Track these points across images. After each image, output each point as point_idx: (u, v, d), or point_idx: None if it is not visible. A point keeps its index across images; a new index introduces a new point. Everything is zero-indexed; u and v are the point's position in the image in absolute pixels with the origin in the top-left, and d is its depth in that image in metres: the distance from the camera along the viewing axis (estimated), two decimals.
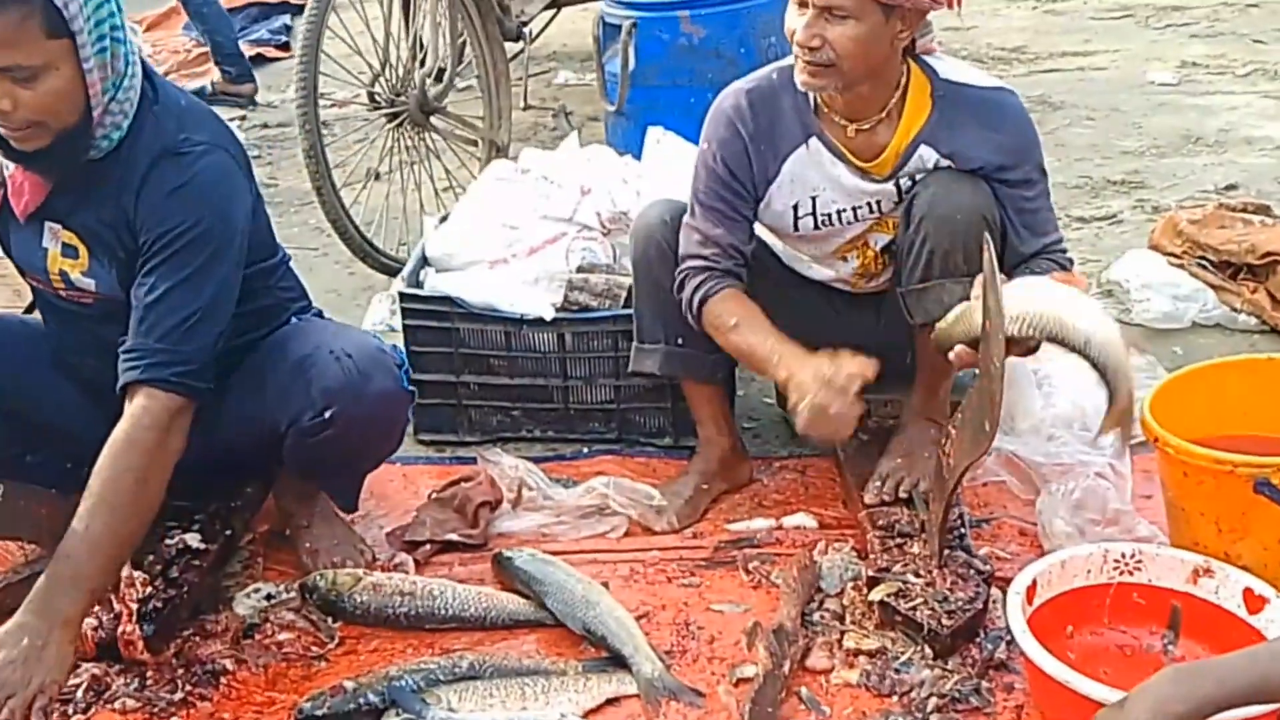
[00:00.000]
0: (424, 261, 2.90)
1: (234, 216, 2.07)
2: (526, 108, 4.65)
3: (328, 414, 2.12)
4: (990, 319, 1.83)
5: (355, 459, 2.31)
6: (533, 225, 2.81)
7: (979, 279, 1.94)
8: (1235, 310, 3.10)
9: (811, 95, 2.27)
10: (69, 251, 2.09)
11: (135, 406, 1.98)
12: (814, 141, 2.29)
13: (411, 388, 2.30)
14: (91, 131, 1.96)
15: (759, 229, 2.42)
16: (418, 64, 3.73)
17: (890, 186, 2.29)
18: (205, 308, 2.02)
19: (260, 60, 6.30)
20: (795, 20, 2.15)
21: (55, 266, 2.11)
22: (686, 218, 2.36)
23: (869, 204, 2.32)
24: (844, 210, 2.33)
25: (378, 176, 3.83)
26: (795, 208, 2.34)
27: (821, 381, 2.08)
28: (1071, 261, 2.34)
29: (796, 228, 2.37)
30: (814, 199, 2.32)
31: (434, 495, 2.53)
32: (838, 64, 2.13)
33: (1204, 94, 4.86)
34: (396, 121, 3.72)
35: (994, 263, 1.83)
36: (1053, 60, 5.41)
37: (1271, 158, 4.17)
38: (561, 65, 5.71)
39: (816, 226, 2.36)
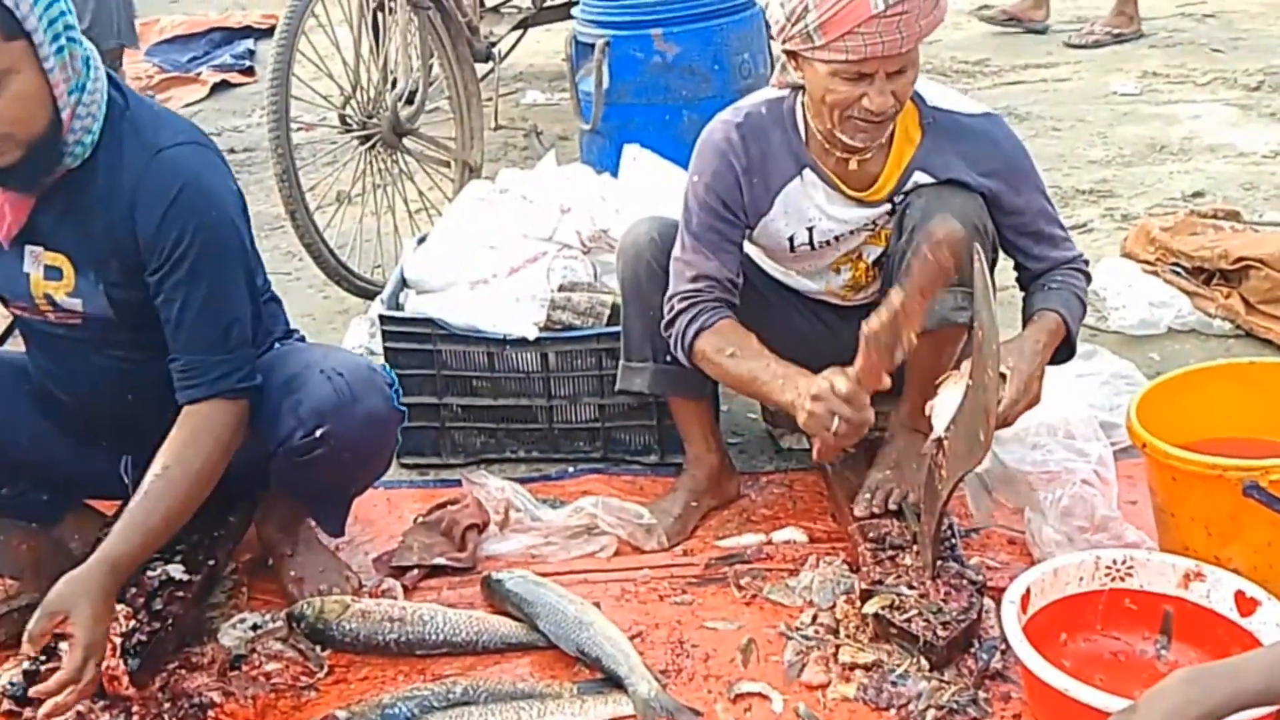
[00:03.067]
0: (403, 283, 2.88)
1: (233, 213, 2.08)
2: (497, 128, 4.65)
3: (318, 433, 2.10)
4: (984, 330, 1.83)
5: (345, 480, 2.29)
6: (512, 245, 2.80)
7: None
8: (1210, 316, 3.13)
9: (801, 126, 2.27)
10: (52, 273, 2.06)
11: (207, 419, 2.03)
12: (807, 173, 2.28)
13: (402, 408, 2.29)
14: (62, 138, 1.93)
15: (746, 245, 2.41)
16: (389, 86, 3.72)
17: (885, 207, 2.30)
18: (238, 311, 2.06)
19: (224, 86, 6.26)
20: (850, 89, 2.09)
21: (40, 290, 2.08)
22: (676, 250, 2.34)
23: (866, 223, 2.33)
24: (841, 235, 2.34)
25: (349, 200, 3.80)
26: (792, 239, 2.35)
27: (829, 396, 2.04)
28: (1086, 263, 2.34)
29: (793, 251, 2.38)
30: (810, 229, 2.33)
31: (420, 519, 2.50)
32: (896, 112, 2.14)
33: (1166, 103, 4.92)
34: (369, 144, 3.70)
35: (985, 273, 1.83)
36: (1016, 73, 5.46)
37: (1236, 165, 4.23)
38: (529, 85, 5.71)
39: (813, 249, 2.36)
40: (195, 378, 2.03)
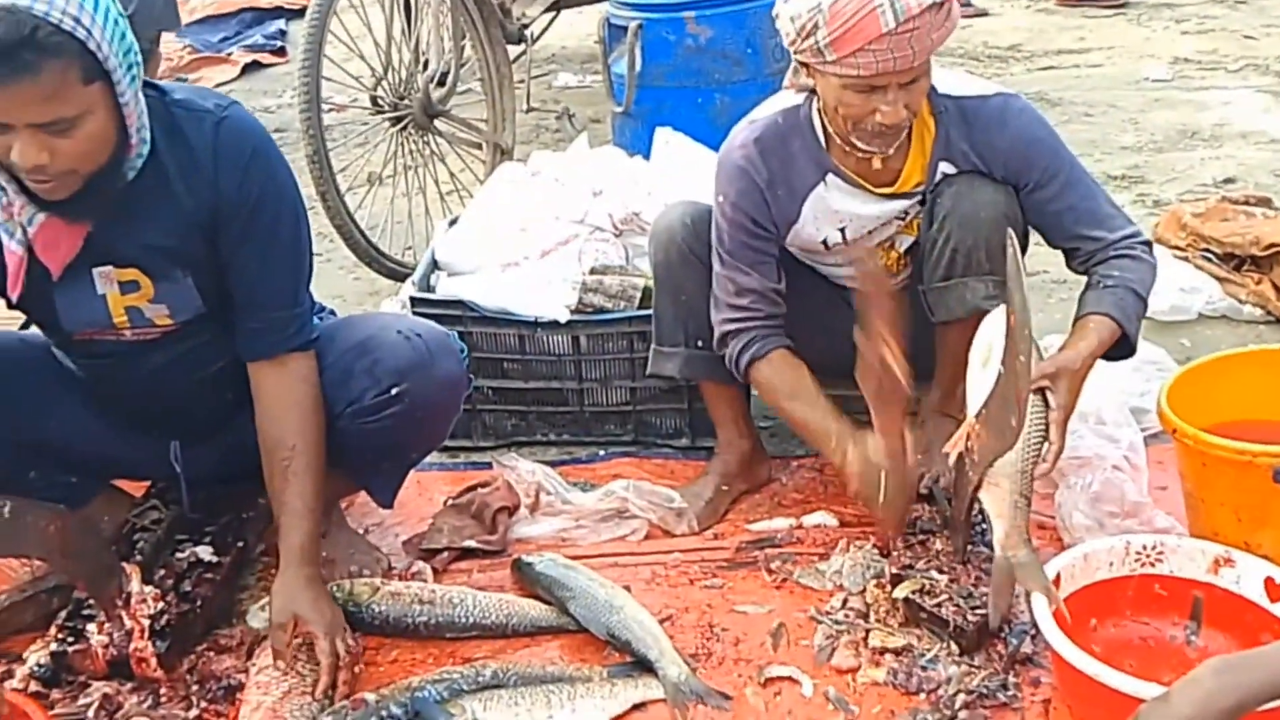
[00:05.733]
0: (434, 265, 2.89)
1: (289, 169, 2.12)
2: (529, 110, 4.64)
3: (394, 390, 2.12)
4: (1015, 315, 1.83)
5: (410, 443, 2.28)
6: (544, 227, 2.80)
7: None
8: (1241, 302, 3.12)
9: (820, 132, 2.26)
10: (129, 287, 2.03)
11: (300, 369, 2.09)
12: (830, 178, 2.27)
13: (470, 374, 2.32)
14: (125, 160, 1.90)
15: None
16: (420, 67, 3.72)
17: (915, 198, 2.30)
18: (307, 264, 2.13)
19: (255, 66, 6.28)
20: (863, 103, 2.09)
21: (119, 308, 2.04)
22: (715, 266, 2.34)
23: (897, 214, 2.33)
24: (875, 229, 2.34)
25: (380, 181, 3.82)
26: (825, 241, 2.35)
27: (868, 466, 2.11)
28: (1146, 244, 2.23)
29: (828, 249, 2.37)
30: (843, 230, 2.33)
31: (450, 502, 2.51)
32: (910, 121, 2.14)
33: (1198, 89, 4.88)
34: (400, 125, 3.71)
35: (1018, 259, 1.83)
36: (1048, 58, 5.43)
37: (1267, 151, 4.19)
38: (561, 67, 5.70)
39: (846, 244, 2.36)
40: (277, 332, 2.08)
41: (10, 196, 1.89)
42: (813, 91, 2.23)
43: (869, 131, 2.14)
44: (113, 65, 1.78)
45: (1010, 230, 1.96)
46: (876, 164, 2.23)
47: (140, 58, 1.87)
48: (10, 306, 2.07)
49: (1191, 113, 4.61)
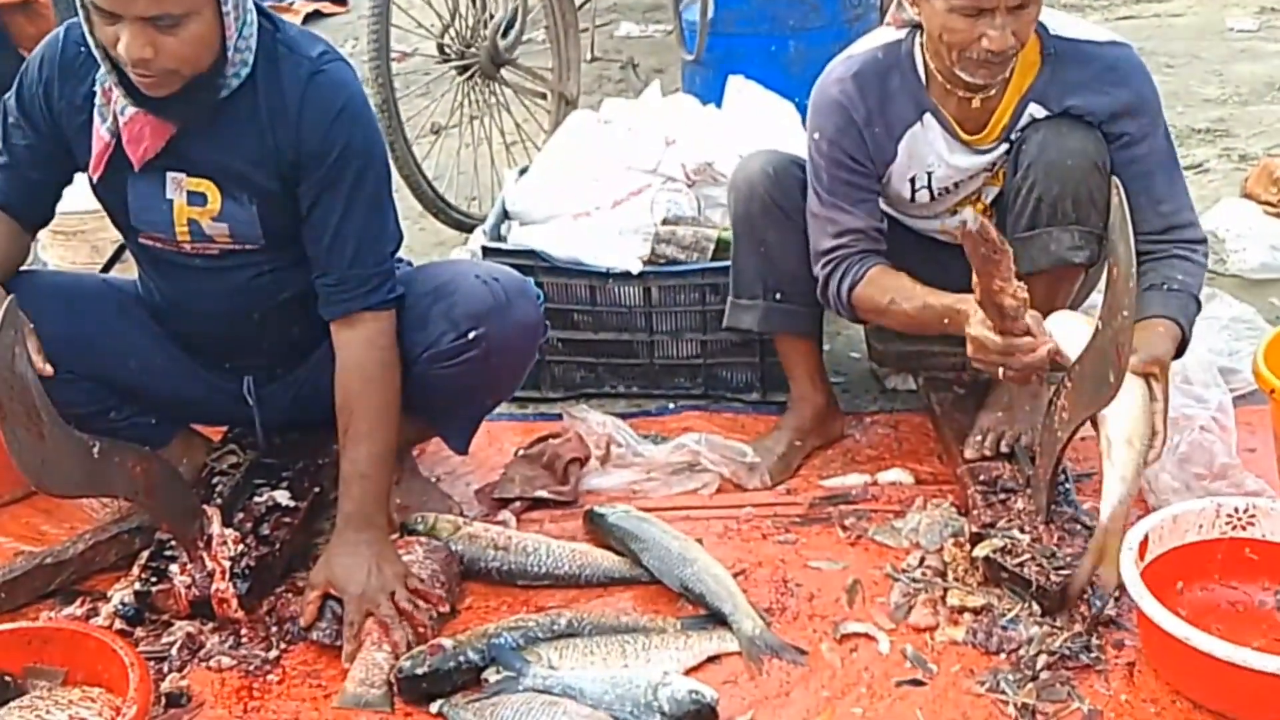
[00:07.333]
0: (505, 214, 2.87)
1: (380, 131, 2.16)
2: (592, 60, 4.59)
3: (472, 335, 2.12)
4: (1119, 268, 1.77)
5: (486, 388, 2.28)
6: (616, 177, 2.77)
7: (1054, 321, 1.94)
8: None
9: (921, 69, 2.20)
10: (196, 199, 2.07)
11: (367, 331, 2.08)
12: (927, 117, 2.22)
13: (547, 320, 2.32)
14: (223, 72, 1.96)
15: None
16: (487, 15, 3.68)
17: (1001, 149, 2.24)
18: (391, 225, 2.13)
19: (316, 15, 6.27)
20: (969, 28, 2.03)
21: (183, 218, 2.08)
22: (812, 206, 2.29)
23: (984, 168, 2.27)
24: (960, 181, 2.29)
25: (445, 132, 3.79)
26: (912, 181, 2.29)
27: (984, 341, 1.99)
28: (1204, 243, 2.21)
29: (913, 199, 2.32)
30: (929, 174, 2.27)
31: (521, 452, 2.50)
32: (1016, 51, 2.07)
33: None
34: (467, 74, 3.68)
35: (1124, 207, 1.77)
36: (1127, 6, 5.29)
37: None
38: (623, 17, 5.63)
39: (932, 198, 2.31)
40: (349, 290, 2.07)
41: (111, 84, 1.96)
42: (916, 27, 2.18)
43: (974, 60, 2.08)
44: None
45: (1115, 178, 1.89)
46: (976, 103, 2.17)
47: None
48: (92, 187, 2.14)
49: (1279, 65, 4.46)
